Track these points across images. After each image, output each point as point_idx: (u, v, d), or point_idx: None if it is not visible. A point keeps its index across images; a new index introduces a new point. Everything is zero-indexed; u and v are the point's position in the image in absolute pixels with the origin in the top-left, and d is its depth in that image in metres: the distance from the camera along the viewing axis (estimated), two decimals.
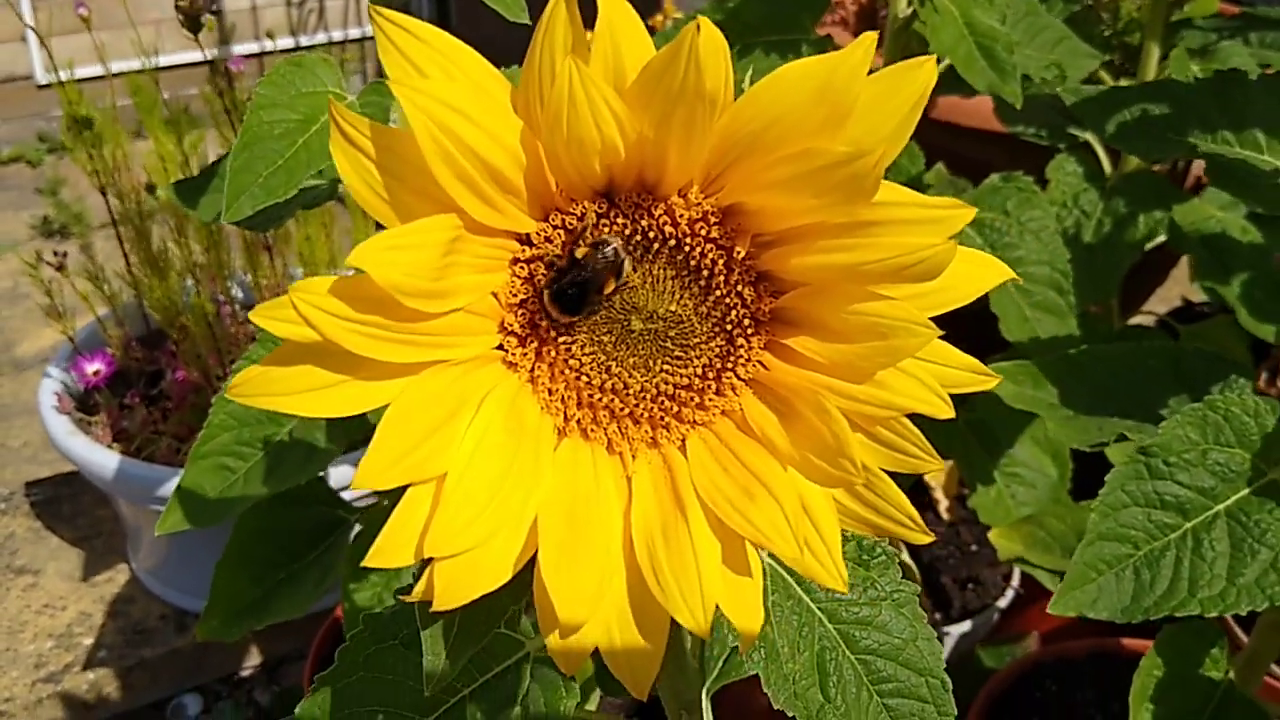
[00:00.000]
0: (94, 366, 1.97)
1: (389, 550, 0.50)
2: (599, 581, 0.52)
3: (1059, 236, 1.48)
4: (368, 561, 0.50)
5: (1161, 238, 1.59)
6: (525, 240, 0.55)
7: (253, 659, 2.11)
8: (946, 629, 1.73)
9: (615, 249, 0.54)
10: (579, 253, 0.54)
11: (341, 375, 0.52)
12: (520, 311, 0.56)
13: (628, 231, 0.55)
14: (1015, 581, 1.82)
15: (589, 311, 0.55)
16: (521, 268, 0.55)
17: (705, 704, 0.79)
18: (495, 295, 0.55)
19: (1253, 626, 1.18)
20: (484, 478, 0.52)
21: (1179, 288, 2.37)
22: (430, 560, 0.51)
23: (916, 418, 0.55)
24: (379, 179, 0.49)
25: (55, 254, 2.00)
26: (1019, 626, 1.83)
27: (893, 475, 0.56)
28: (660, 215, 0.54)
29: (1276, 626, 1.13)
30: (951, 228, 0.48)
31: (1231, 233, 1.56)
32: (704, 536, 0.53)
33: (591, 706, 1.14)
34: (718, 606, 0.52)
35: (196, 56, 1.95)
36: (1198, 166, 1.82)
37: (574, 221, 0.54)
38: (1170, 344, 1.37)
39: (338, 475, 1.65)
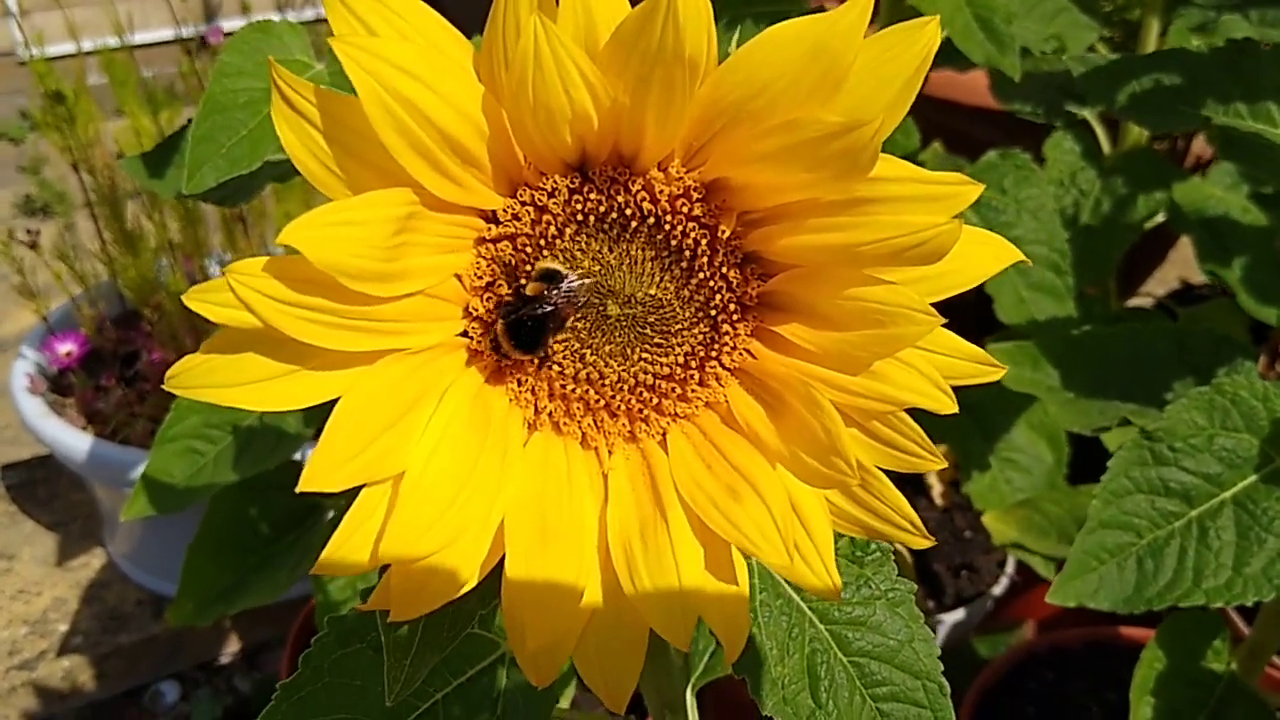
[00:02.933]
0: (66, 347, 1.92)
1: (341, 556, 0.46)
2: (572, 588, 0.48)
3: (1057, 216, 1.44)
4: (317, 569, 0.46)
5: (1161, 218, 1.55)
6: (491, 218, 0.50)
7: (232, 646, 2.07)
8: (940, 617, 1.69)
9: (572, 286, 0.49)
10: (528, 289, 0.49)
11: (289, 365, 0.47)
12: (486, 295, 0.51)
13: (602, 209, 0.50)
14: (1010, 569, 1.78)
15: (545, 352, 0.51)
16: (487, 248, 0.51)
17: (690, 702, 0.75)
18: (459, 277, 0.51)
19: (1254, 617, 1.16)
20: (446, 476, 0.48)
21: (1176, 270, 2.33)
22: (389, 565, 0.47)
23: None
24: (326, 150, 0.44)
25: (28, 232, 1.95)
26: (1014, 614, 1.79)
27: (888, 472, 0.52)
28: (638, 191, 0.50)
29: None
30: (956, 206, 0.44)
31: (1233, 214, 1.53)
32: (685, 540, 0.49)
33: (565, 704, 1.10)
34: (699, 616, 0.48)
35: (180, 33, 1.91)
36: (1198, 145, 1.79)
37: (544, 197, 0.50)
38: (1174, 326, 1.34)
39: None
